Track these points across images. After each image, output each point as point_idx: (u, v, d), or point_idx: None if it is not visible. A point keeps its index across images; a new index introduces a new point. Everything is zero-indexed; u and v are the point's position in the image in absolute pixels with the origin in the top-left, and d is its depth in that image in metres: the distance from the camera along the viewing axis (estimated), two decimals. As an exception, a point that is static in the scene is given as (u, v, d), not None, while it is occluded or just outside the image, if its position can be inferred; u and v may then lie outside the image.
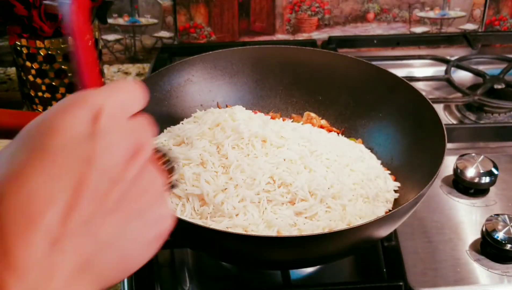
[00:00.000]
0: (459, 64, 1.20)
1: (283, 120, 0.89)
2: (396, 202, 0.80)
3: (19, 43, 1.00)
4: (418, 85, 1.09)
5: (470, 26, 1.31)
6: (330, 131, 0.90)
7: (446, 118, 1.11)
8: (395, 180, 0.83)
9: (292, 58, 0.98)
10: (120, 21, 1.25)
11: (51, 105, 1.05)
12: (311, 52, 0.98)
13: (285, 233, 0.70)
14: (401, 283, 0.75)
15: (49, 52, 1.00)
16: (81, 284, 0.37)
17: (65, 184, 0.36)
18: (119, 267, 0.39)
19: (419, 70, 1.22)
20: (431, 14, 1.29)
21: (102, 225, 0.37)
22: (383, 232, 0.72)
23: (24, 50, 1.00)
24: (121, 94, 0.41)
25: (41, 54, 1.00)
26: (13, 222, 0.35)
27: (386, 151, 0.87)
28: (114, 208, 0.38)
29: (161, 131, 0.90)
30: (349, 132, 0.92)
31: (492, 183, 0.90)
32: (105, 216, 0.37)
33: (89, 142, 0.37)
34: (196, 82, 0.95)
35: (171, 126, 0.88)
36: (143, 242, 0.40)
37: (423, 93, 0.86)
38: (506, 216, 0.81)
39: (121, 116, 0.40)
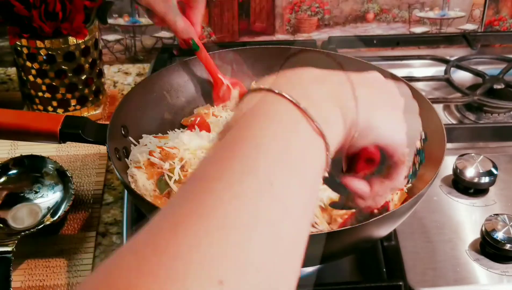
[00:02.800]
0: (459, 64, 1.20)
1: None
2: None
3: (19, 43, 1.00)
4: (418, 85, 1.09)
5: (469, 26, 1.31)
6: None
7: (445, 118, 1.11)
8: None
9: (292, 58, 0.98)
10: (120, 21, 1.25)
11: (51, 105, 1.05)
12: (311, 52, 0.98)
13: None
14: (400, 283, 0.75)
15: (50, 52, 1.00)
16: (335, 110, 0.47)
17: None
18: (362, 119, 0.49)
19: (418, 70, 1.22)
20: (431, 14, 1.29)
21: (355, 89, 0.49)
22: (383, 231, 0.72)
23: (25, 50, 1.00)
24: None
25: (41, 54, 1.00)
26: None
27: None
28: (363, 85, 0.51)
29: (161, 131, 0.90)
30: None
31: (491, 183, 0.90)
32: (356, 86, 0.50)
33: None
34: (196, 82, 0.96)
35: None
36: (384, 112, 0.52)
37: (423, 93, 0.86)
38: (505, 216, 0.81)
39: None
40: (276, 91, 0.44)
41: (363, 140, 0.50)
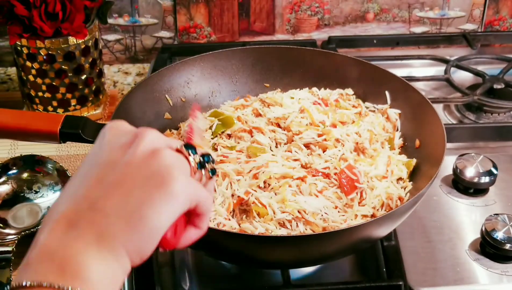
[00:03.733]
0: (459, 64, 1.20)
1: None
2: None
3: (19, 43, 1.00)
4: (418, 85, 1.09)
5: (469, 26, 1.31)
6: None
7: (445, 118, 1.11)
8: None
9: (292, 58, 0.98)
10: (120, 21, 1.25)
11: (51, 105, 1.05)
12: (311, 52, 0.98)
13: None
14: (400, 283, 0.75)
15: (50, 52, 1.00)
16: (106, 257, 0.44)
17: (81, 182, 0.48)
18: (133, 232, 0.46)
19: (418, 70, 1.22)
20: (431, 14, 1.29)
21: (106, 199, 0.46)
22: (383, 231, 0.72)
23: (25, 50, 1.00)
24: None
25: (41, 54, 1.00)
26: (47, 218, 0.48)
27: (386, 151, 0.87)
28: (115, 184, 0.47)
29: (161, 131, 0.90)
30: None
31: (491, 182, 0.90)
32: (108, 192, 0.46)
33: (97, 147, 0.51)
34: (196, 82, 0.96)
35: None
36: (147, 206, 0.46)
37: (423, 93, 0.86)
38: (505, 216, 0.81)
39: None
40: (35, 284, 0.42)
41: (153, 242, 0.47)
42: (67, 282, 0.42)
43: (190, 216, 0.52)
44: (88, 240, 0.44)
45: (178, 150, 0.50)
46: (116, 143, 0.50)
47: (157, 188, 0.47)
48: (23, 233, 0.80)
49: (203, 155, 0.52)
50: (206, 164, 0.52)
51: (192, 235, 0.53)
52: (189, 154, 0.51)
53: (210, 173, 0.52)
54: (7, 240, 0.79)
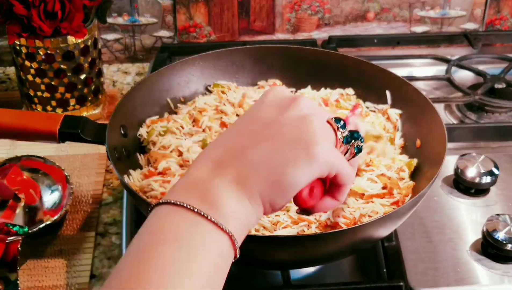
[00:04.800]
0: (460, 64, 1.19)
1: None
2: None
3: (18, 43, 1.00)
4: (419, 85, 1.08)
5: (470, 26, 1.31)
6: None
7: (446, 118, 1.11)
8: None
9: (292, 58, 0.97)
10: (120, 20, 1.24)
11: (50, 104, 1.05)
12: (311, 52, 0.98)
13: None
14: (401, 283, 0.75)
15: (48, 51, 1.00)
16: (242, 198, 0.50)
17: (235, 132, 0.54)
18: (272, 183, 0.50)
19: (419, 69, 1.22)
20: (432, 13, 1.29)
21: (255, 150, 0.51)
22: (384, 232, 0.72)
23: (24, 50, 1.00)
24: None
25: (40, 54, 1.00)
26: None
27: (387, 151, 0.87)
28: (265, 139, 0.52)
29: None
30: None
31: (492, 183, 0.89)
32: (258, 144, 0.52)
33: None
34: (196, 82, 0.95)
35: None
36: (288, 163, 0.51)
37: (424, 93, 0.86)
38: (506, 216, 0.81)
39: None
40: (178, 203, 0.48)
41: (287, 196, 0.52)
42: (205, 209, 0.48)
43: (330, 186, 0.56)
44: (230, 179, 0.50)
45: (328, 122, 0.55)
46: (275, 103, 0.55)
47: (301, 149, 0.51)
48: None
49: (351, 132, 0.56)
50: (353, 140, 0.56)
51: (328, 204, 0.57)
52: (337, 128, 0.55)
53: (355, 150, 0.57)
54: (12, 240, 0.78)
